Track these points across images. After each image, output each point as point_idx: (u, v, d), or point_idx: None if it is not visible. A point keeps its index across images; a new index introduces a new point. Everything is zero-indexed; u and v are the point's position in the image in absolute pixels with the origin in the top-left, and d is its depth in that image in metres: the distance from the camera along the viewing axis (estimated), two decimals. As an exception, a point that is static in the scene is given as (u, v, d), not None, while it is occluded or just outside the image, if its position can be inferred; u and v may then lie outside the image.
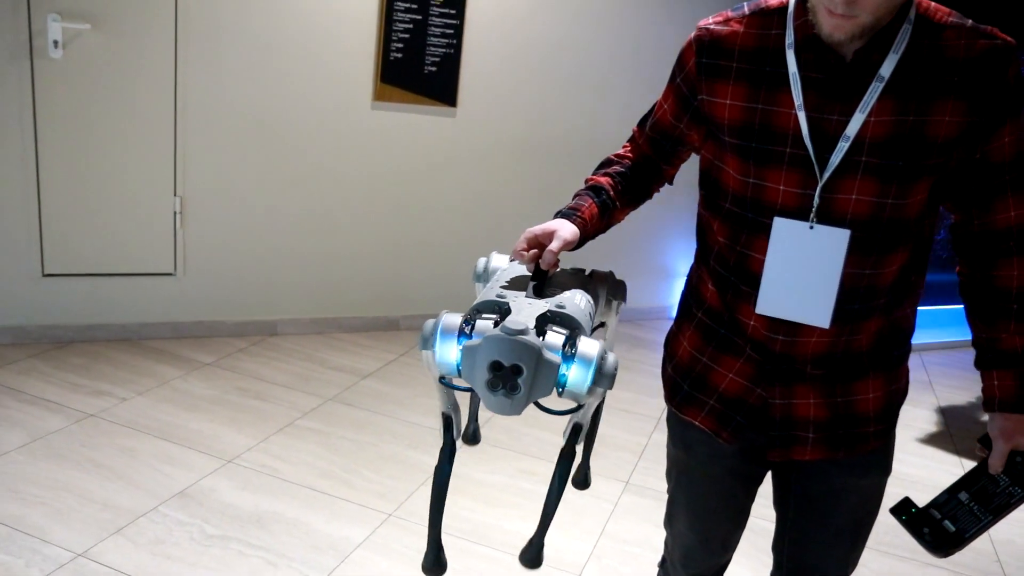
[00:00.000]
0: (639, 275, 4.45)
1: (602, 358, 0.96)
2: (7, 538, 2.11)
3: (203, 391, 3.11)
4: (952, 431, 3.58)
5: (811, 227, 1.14)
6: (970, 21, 1.12)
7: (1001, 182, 1.16)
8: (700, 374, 1.33)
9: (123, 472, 2.49)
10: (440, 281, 3.97)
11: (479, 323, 0.98)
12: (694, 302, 1.36)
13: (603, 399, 1.13)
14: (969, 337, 1.27)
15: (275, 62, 3.41)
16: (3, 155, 3.09)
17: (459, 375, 0.99)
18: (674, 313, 1.45)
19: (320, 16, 3.43)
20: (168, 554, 2.14)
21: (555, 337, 0.96)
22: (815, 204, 1.14)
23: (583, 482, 1.40)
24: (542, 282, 1.12)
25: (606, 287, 1.23)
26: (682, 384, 1.36)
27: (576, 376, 0.95)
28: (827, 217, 1.14)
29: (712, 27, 1.22)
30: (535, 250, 1.15)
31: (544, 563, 1.17)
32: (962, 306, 1.26)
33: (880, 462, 1.32)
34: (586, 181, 1.35)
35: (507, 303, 1.03)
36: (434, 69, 3.66)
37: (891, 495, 1.33)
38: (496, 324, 0.97)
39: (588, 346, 0.96)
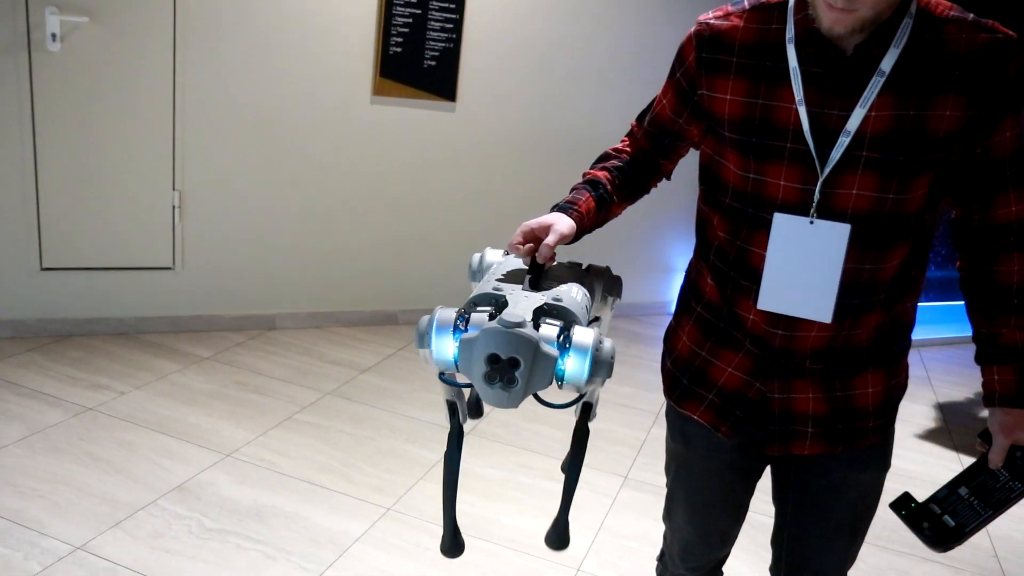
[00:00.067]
0: (638, 270, 4.45)
1: (597, 347, 0.95)
2: (6, 531, 2.11)
3: (201, 385, 3.11)
4: (951, 427, 3.58)
5: (812, 222, 1.14)
6: (971, 15, 1.12)
7: (1002, 177, 1.16)
8: (699, 368, 1.33)
9: (121, 466, 2.49)
10: (439, 275, 3.97)
11: (475, 316, 0.97)
12: (693, 297, 1.36)
13: (598, 395, 1.12)
14: (967, 333, 1.27)
15: (274, 54, 3.40)
16: (1, 149, 3.08)
17: (458, 370, 0.98)
18: (673, 308, 1.45)
19: (319, 9, 3.42)
20: (167, 547, 2.14)
21: (549, 329, 0.95)
22: (816, 199, 1.14)
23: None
24: (538, 275, 1.11)
25: (602, 282, 1.23)
26: (681, 378, 1.36)
27: (573, 366, 0.94)
28: (828, 212, 1.14)
29: (712, 22, 1.21)
30: (531, 244, 1.14)
31: (542, 558, 1.16)
32: (960, 302, 1.27)
33: (879, 457, 1.33)
34: (584, 175, 1.34)
35: (504, 296, 1.02)
36: (434, 63, 3.66)
37: (889, 491, 1.33)
38: (492, 317, 0.96)
39: (583, 335, 0.95)
